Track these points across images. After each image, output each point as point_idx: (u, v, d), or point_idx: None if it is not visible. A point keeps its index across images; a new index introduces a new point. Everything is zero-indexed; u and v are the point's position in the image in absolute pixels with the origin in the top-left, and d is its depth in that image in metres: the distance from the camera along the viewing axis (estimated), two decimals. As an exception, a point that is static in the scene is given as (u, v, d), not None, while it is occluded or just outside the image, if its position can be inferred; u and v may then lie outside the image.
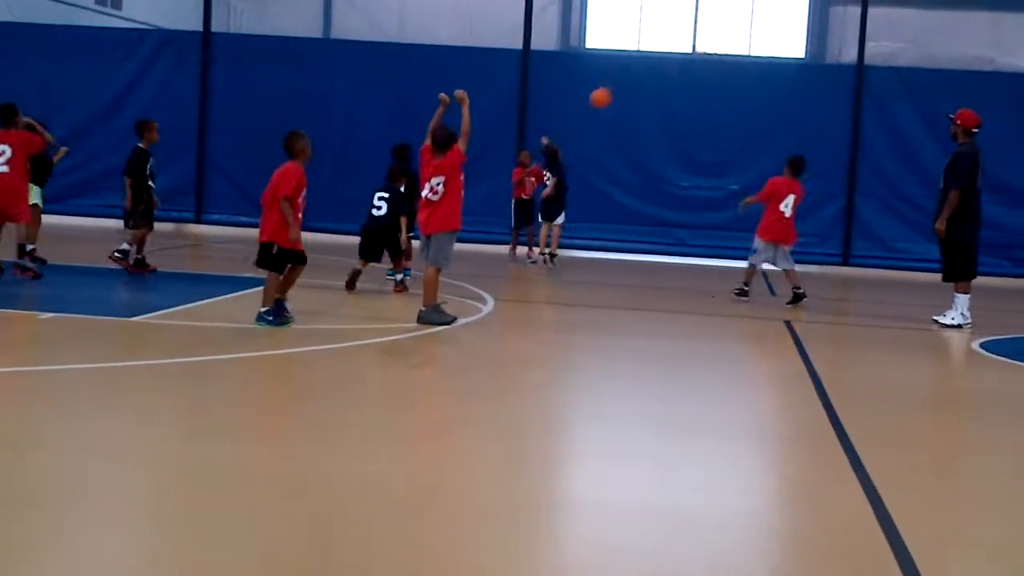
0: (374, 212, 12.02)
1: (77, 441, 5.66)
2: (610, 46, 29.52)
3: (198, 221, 18.58)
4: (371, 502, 4.93)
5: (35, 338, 8.71)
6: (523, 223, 16.36)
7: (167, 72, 18.48)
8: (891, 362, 9.57)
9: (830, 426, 6.73)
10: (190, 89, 18.42)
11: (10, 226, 11.50)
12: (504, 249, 16.69)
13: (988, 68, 19.24)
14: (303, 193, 9.46)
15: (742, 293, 12.69)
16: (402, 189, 12.17)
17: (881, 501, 5.21)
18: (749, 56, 25.23)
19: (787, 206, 12.61)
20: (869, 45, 18.21)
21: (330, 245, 15.18)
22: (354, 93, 18.29)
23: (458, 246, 10.08)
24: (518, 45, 18.45)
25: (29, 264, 11.48)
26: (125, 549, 4.29)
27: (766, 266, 12.97)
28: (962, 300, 11.40)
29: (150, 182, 12.23)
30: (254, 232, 17.33)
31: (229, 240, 17.17)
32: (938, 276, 11.64)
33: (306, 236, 9.70)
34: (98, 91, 18.08)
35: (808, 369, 8.66)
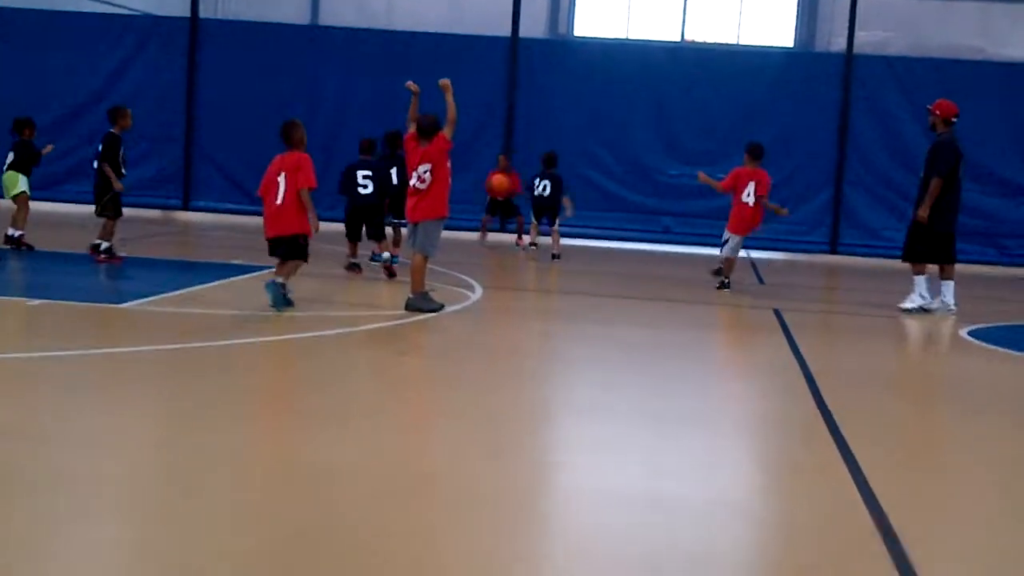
0: (360, 191, 12.08)
1: (68, 430, 5.64)
2: (599, 34, 29.48)
3: (185, 208, 18.53)
4: (364, 489, 4.92)
5: (24, 325, 8.67)
6: (499, 212, 16.40)
7: (154, 58, 18.42)
8: (879, 351, 9.59)
9: (819, 415, 6.74)
10: (177, 76, 18.37)
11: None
12: (492, 237, 16.68)
13: (978, 57, 19.25)
14: None
15: (723, 286, 12.62)
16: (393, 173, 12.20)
17: (870, 489, 5.22)
18: (738, 44, 25.19)
19: (748, 195, 12.54)
20: (859, 34, 18.21)
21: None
22: (342, 80, 18.25)
23: (445, 233, 10.07)
24: (507, 32, 18.41)
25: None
26: (117, 540, 4.27)
27: (755, 254, 12.97)
28: (920, 281, 11.50)
29: (122, 169, 12.16)
30: (241, 219, 17.41)
31: (216, 227, 17.13)
32: (930, 267, 11.65)
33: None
34: (86, 77, 18.01)
35: (797, 358, 8.67)
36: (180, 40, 18.48)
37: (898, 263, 12.28)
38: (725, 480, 5.50)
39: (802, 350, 8.99)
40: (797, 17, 26.13)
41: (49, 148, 13.43)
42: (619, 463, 5.60)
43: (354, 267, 12.29)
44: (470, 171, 16.37)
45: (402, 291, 10.12)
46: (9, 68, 18.17)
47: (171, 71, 18.37)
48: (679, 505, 4.96)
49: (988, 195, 16.95)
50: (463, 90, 17.12)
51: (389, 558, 4.16)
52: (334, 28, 22.01)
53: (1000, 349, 9.73)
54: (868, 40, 19.85)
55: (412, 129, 9.92)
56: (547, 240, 15.83)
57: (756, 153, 12.69)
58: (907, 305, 11.53)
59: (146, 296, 9.85)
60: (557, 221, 15.56)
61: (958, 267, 11.80)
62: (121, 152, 12.13)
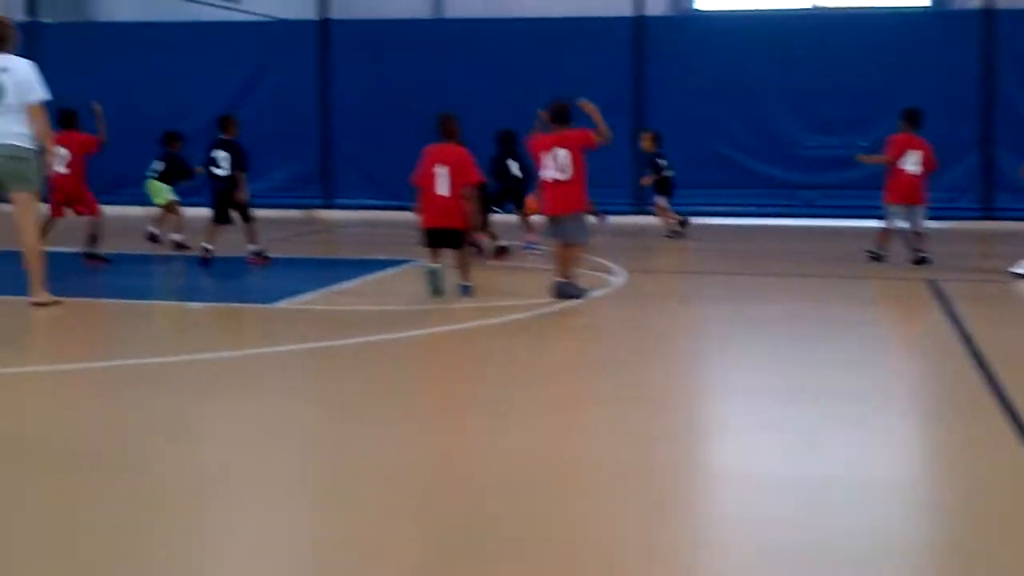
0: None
1: (233, 428, 5.78)
2: (721, 6, 29.12)
3: (326, 207, 18.81)
4: (520, 477, 4.95)
5: (185, 327, 8.89)
6: None
7: (288, 62, 18.69)
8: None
9: (988, 390, 6.55)
10: (310, 78, 18.62)
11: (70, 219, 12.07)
12: (623, 219, 16.53)
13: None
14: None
15: (876, 258, 12.37)
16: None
17: (1050, 464, 5.06)
18: (871, 8, 24.62)
19: (915, 164, 12.24)
20: (996, -12, 17.64)
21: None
22: (467, 72, 18.29)
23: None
24: (629, 12, 18.26)
25: (100, 253, 11.92)
26: (284, 533, 4.36)
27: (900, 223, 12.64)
28: None
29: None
30: (381, 215, 17.57)
31: (357, 224, 17.36)
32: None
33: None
34: (223, 85, 18.35)
35: (958, 330, 8.44)
36: (312, 43, 18.74)
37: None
38: (893, 461, 5.39)
39: (963, 322, 8.75)
40: (931, -25, 25.44)
41: (200, 170, 13.75)
42: (777, 445, 5.51)
43: (502, 250, 12.53)
44: (600, 153, 16.26)
45: (538, 278, 10.11)
46: (148, 81, 18.62)
47: (304, 74, 18.63)
48: (847, 488, 4.86)
49: None
50: (590, 73, 17.27)
51: (551, 545, 4.16)
52: (457, 20, 22.18)
53: None
54: (1007, -6, 19.23)
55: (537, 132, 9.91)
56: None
57: (914, 119, 12.37)
58: (1018, 269, 11.15)
59: (297, 295, 10.04)
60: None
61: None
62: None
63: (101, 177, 15.74)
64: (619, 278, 11.17)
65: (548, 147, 9.67)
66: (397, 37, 18.81)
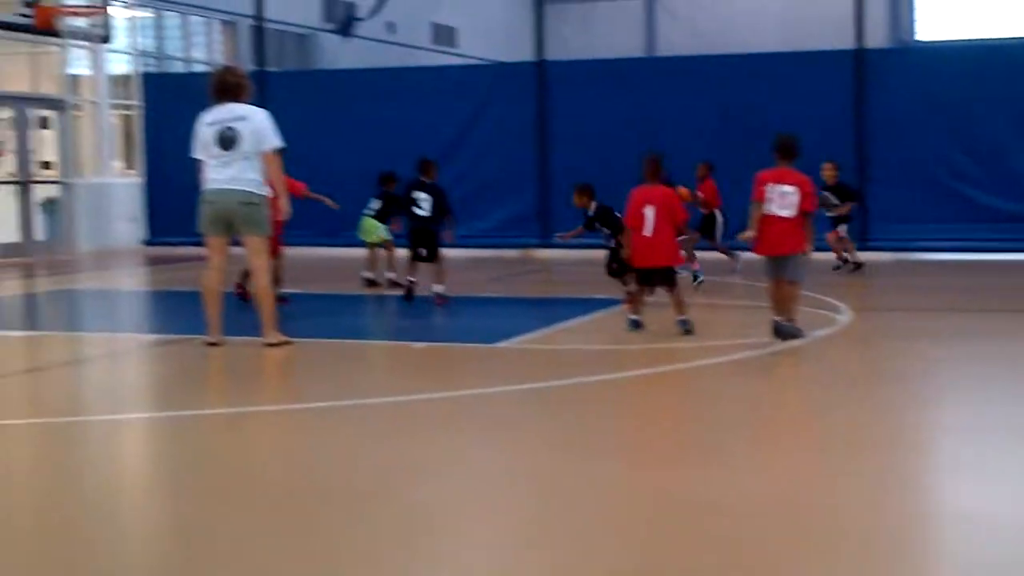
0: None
1: (465, 465, 5.91)
2: (943, 36, 28.36)
3: (543, 246, 19.01)
4: (749, 523, 4.90)
5: (412, 367, 9.12)
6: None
7: (505, 103, 19.02)
8: None
9: None
10: (528, 118, 18.89)
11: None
12: (824, 255, 16.07)
13: None
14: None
15: None
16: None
17: None
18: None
19: None
20: None
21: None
22: (682, 109, 18.26)
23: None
24: (847, 44, 17.97)
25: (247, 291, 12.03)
26: (519, 568, 4.43)
27: None
28: None
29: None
30: (598, 253, 17.66)
31: (574, 263, 17.47)
32: None
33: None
34: (441, 127, 18.79)
35: None
36: (528, 84, 19.02)
37: None
38: None
39: None
40: None
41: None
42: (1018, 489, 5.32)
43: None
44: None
45: (747, 316, 9.96)
46: (369, 125, 19.20)
47: (521, 114, 18.92)
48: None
49: None
50: (808, 107, 17.05)
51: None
52: (671, 58, 22.22)
53: None
54: None
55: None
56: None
57: None
58: None
59: (517, 335, 10.17)
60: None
61: None
62: None
63: (326, 220, 16.35)
64: (844, 316, 10.95)
65: (775, 181, 9.48)
66: (611, 76, 18.95)
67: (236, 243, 9.76)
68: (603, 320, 11.21)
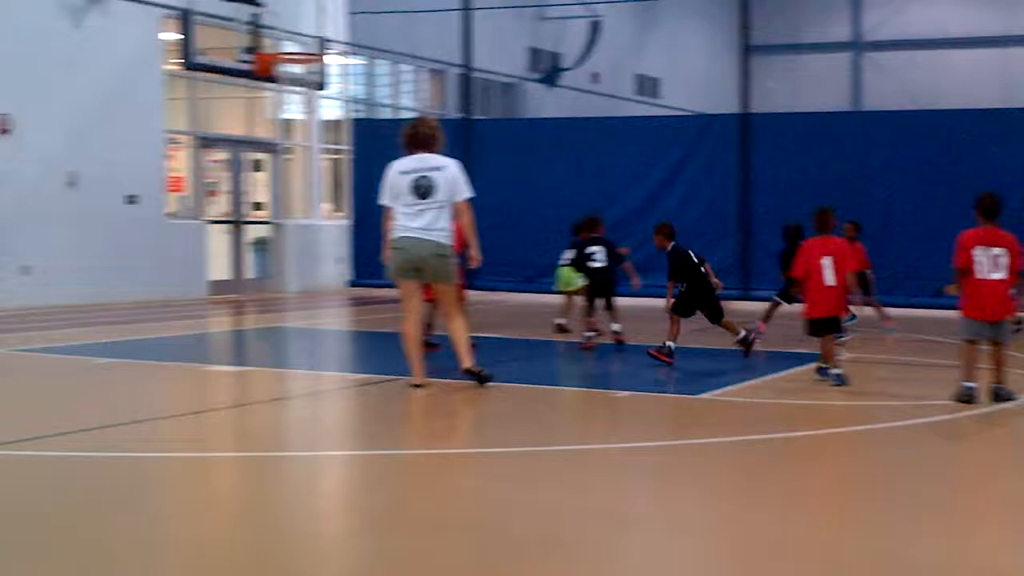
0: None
1: (658, 515, 5.82)
2: None
3: (744, 298, 18.75)
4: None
5: (613, 415, 9.06)
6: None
7: (709, 155, 18.92)
8: None
9: None
10: (731, 169, 18.73)
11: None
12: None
13: None
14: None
15: None
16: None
17: None
18: None
19: None
20: None
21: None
22: (889, 165, 17.86)
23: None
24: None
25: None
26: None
27: None
28: None
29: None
30: (798, 308, 17.40)
31: (776, 316, 17.14)
32: None
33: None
34: (644, 177, 18.79)
35: None
36: (732, 136, 18.87)
37: None
38: None
39: None
40: None
41: (625, 251, 14.05)
42: None
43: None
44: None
45: (921, 374, 9.58)
46: (571, 173, 19.31)
47: (725, 166, 18.78)
48: None
49: None
50: (1011, 165, 16.44)
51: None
52: (878, 112, 21.76)
53: None
54: None
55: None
56: None
57: None
58: None
59: (721, 387, 10.03)
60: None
61: None
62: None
63: (529, 267, 16.48)
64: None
65: (985, 244, 9.15)
66: (817, 129, 18.67)
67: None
68: (803, 375, 10.97)
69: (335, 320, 17.46)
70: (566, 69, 28.98)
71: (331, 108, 23.61)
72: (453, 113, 25.49)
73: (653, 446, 7.60)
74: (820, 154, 18.23)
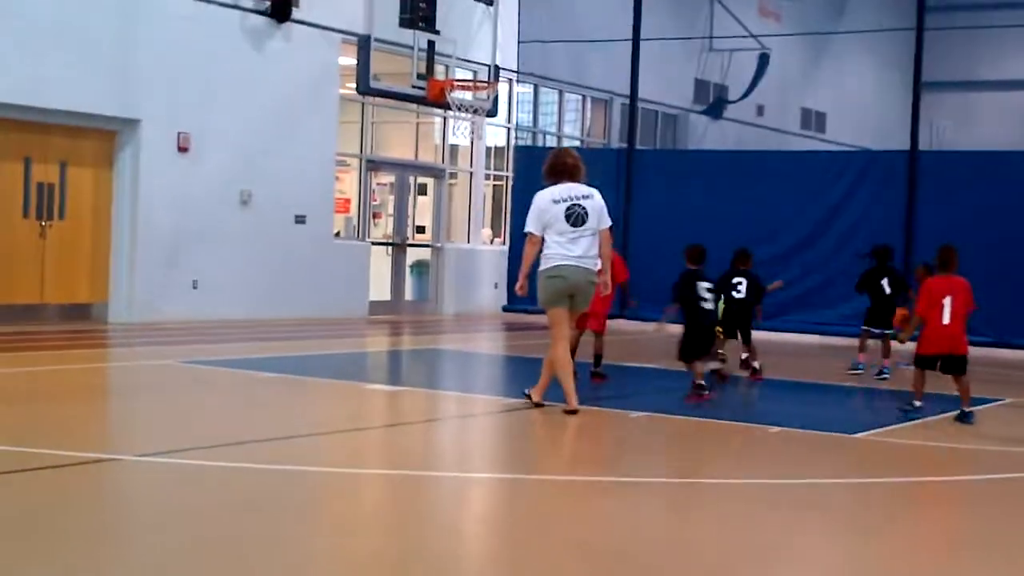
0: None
1: (811, 556, 5.77)
2: None
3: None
4: None
5: (765, 451, 8.99)
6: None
7: (873, 192, 18.59)
8: None
9: None
10: (896, 207, 18.37)
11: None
12: None
13: None
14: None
15: None
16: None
17: None
18: None
19: None
20: None
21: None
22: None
23: None
24: None
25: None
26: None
27: None
28: None
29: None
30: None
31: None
32: None
33: None
34: (806, 212, 18.57)
35: None
36: (899, 173, 18.52)
37: None
38: None
39: None
40: None
41: (778, 284, 13.94)
42: None
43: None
44: None
45: None
46: (734, 204, 19.17)
47: (889, 203, 18.42)
48: None
49: None
50: None
51: None
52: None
53: None
54: None
55: None
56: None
57: None
58: None
59: (875, 427, 9.89)
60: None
61: None
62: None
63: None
64: None
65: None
66: (987, 169, 18.18)
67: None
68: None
69: (489, 344, 17.66)
70: (731, 101, 28.82)
71: (496, 135, 23.92)
72: (616, 143, 25.58)
73: (805, 483, 7.54)
74: (990, 193, 17.76)
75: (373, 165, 21.20)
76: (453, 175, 22.89)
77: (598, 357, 12.20)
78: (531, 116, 25.03)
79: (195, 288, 17.49)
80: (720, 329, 12.41)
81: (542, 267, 9.85)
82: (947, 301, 10.12)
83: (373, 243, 20.98)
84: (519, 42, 22.42)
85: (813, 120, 32.18)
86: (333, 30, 19.30)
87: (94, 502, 6.41)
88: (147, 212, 16.91)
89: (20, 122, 15.78)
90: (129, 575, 5.02)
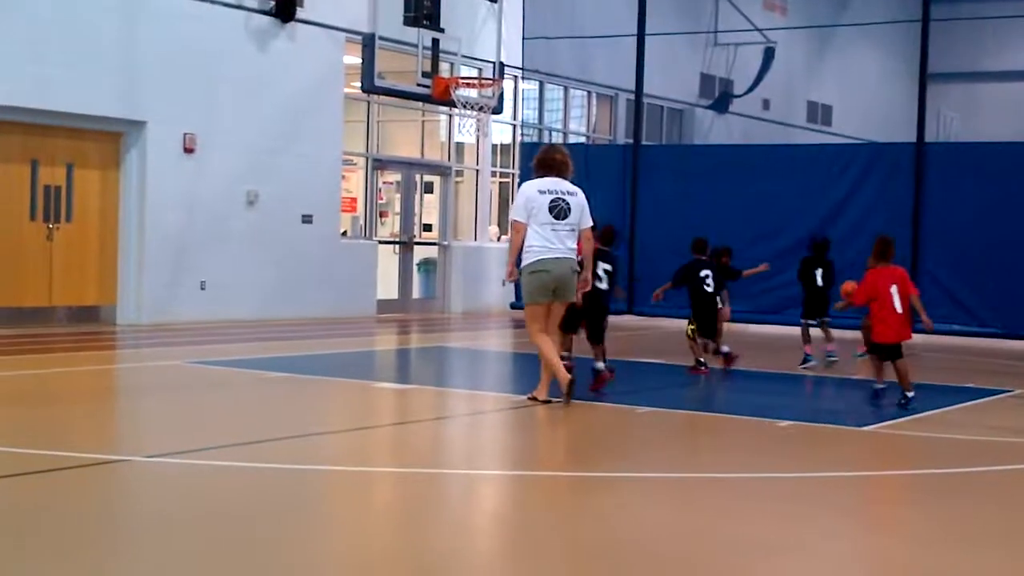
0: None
1: (822, 546, 5.77)
2: None
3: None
4: None
5: (775, 445, 8.99)
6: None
7: (880, 184, 18.56)
8: None
9: None
10: (903, 200, 18.33)
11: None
12: None
13: None
14: None
15: None
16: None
17: None
18: None
19: None
20: None
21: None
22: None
23: None
24: None
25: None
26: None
27: None
28: None
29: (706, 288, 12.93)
30: (967, 341, 17.06)
31: (941, 349, 16.79)
32: None
33: None
34: (812, 206, 18.54)
35: None
36: (905, 165, 18.48)
37: None
38: None
39: None
40: None
41: (763, 267, 14.12)
42: None
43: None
44: None
45: None
46: (741, 198, 19.16)
47: (897, 196, 18.38)
48: None
49: None
50: None
51: None
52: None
53: None
54: None
55: None
56: None
57: None
58: None
59: (885, 420, 9.87)
60: None
61: None
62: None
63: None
64: None
65: None
66: (994, 160, 18.14)
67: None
68: (975, 410, 10.74)
69: (497, 341, 17.67)
70: (737, 95, 28.80)
71: (502, 132, 23.92)
72: (622, 138, 25.57)
73: (813, 476, 7.54)
74: (996, 185, 17.73)
75: (379, 164, 21.21)
76: (459, 173, 22.90)
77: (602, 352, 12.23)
78: (536, 113, 25.03)
79: (203, 289, 17.52)
80: (694, 327, 12.69)
81: (524, 263, 10.00)
82: (894, 290, 10.37)
83: (380, 242, 20.99)
84: (524, 39, 22.42)
85: (819, 113, 32.14)
86: (337, 29, 19.32)
87: (105, 504, 6.43)
88: (154, 213, 16.94)
89: (26, 125, 15.82)
90: None
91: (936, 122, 22.84)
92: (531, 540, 5.88)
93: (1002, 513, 6.80)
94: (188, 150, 17.30)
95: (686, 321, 13.17)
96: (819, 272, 13.74)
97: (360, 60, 18.76)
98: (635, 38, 21.04)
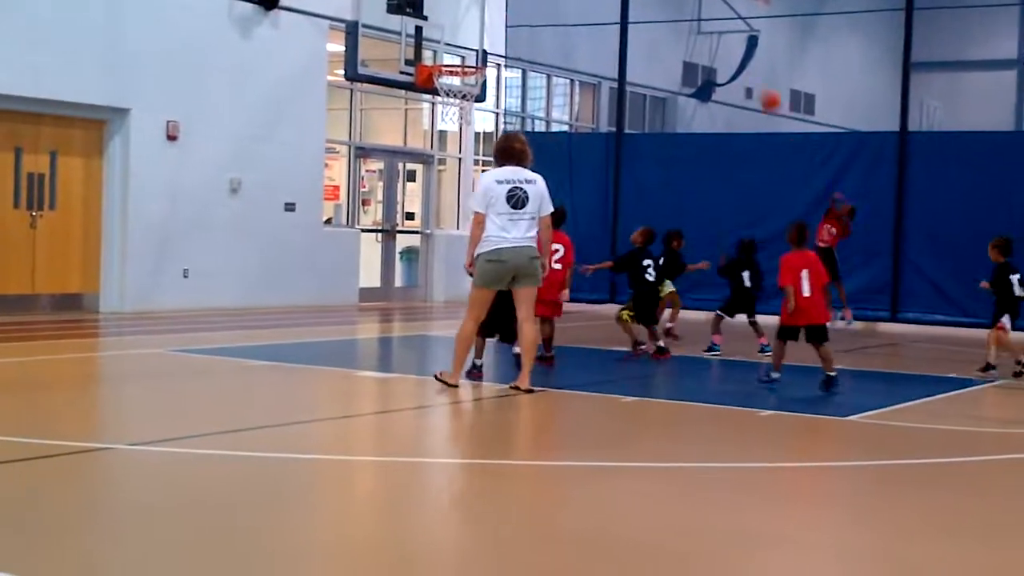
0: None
1: (802, 538, 5.80)
2: None
3: (892, 320, 18.42)
4: None
5: (754, 434, 9.02)
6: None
7: (863, 173, 18.59)
8: None
9: None
10: (886, 189, 18.39)
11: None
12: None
13: None
14: None
15: None
16: None
17: None
18: None
19: None
20: None
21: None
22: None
23: None
24: None
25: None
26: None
27: None
28: None
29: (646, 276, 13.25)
30: (948, 331, 17.14)
31: (924, 339, 16.87)
32: None
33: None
34: (796, 194, 18.57)
35: None
36: (888, 155, 18.54)
37: None
38: None
39: None
40: None
41: (703, 265, 14.52)
42: None
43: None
44: None
45: None
46: (724, 187, 19.19)
47: (879, 185, 18.44)
48: None
49: None
50: None
51: None
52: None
53: None
54: None
55: None
56: None
57: None
58: None
59: (868, 410, 9.91)
60: None
61: None
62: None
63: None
64: None
65: None
66: (976, 149, 18.21)
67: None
68: (955, 400, 10.79)
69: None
70: (720, 84, 28.83)
71: (485, 120, 23.90)
72: (605, 126, 25.58)
73: (795, 467, 7.58)
74: (979, 174, 17.79)
75: (362, 152, 21.19)
76: (442, 161, 22.89)
77: (547, 341, 12.28)
78: (519, 101, 25.02)
79: (186, 277, 17.49)
80: (632, 314, 12.81)
81: (481, 250, 10.02)
82: (805, 274, 10.64)
83: (363, 230, 20.98)
84: (507, 27, 22.41)
85: (802, 102, 32.20)
86: (321, 17, 19.27)
87: (88, 492, 6.43)
88: (137, 201, 16.90)
89: (10, 112, 15.75)
90: (125, 564, 5.03)
91: (919, 111, 22.89)
92: (513, 529, 5.89)
93: (984, 503, 6.84)
94: (171, 137, 17.26)
95: (620, 307, 13.62)
96: (746, 274, 13.82)
97: (343, 48, 18.75)
98: (618, 26, 21.04)
